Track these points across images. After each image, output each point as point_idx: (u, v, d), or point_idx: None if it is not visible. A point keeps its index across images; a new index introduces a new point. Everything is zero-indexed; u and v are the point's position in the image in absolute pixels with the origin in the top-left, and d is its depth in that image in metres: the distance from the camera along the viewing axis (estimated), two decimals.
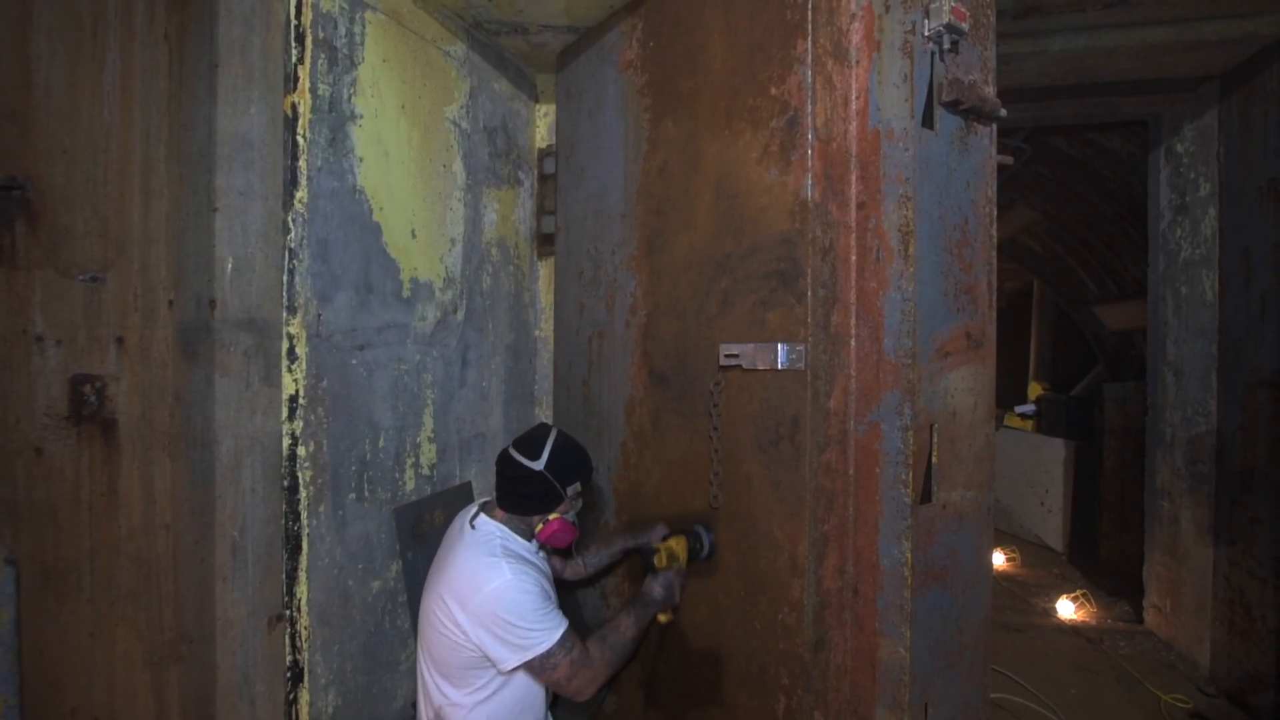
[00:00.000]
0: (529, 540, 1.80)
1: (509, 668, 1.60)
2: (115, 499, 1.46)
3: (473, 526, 1.77)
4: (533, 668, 1.61)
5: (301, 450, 1.81)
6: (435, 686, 1.72)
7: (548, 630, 1.60)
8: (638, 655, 2.09)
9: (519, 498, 1.77)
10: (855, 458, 1.50)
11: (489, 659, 1.62)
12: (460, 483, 2.43)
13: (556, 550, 1.97)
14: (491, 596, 1.59)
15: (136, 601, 1.50)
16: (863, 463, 1.49)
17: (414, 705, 1.90)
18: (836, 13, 1.51)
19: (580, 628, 2.38)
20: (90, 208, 1.42)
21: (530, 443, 1.80)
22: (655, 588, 1.82)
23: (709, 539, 1.82)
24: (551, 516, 1.78)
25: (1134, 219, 3.99)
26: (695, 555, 1.82)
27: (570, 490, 1.79)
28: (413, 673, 2.18)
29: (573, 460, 1.81)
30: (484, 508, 1.84)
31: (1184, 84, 3.06)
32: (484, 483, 2.54)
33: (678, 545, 1.81)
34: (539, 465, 1.74)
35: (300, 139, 1.79)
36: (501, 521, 1.79)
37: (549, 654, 1.59)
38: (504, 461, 1.80)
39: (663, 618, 1.83)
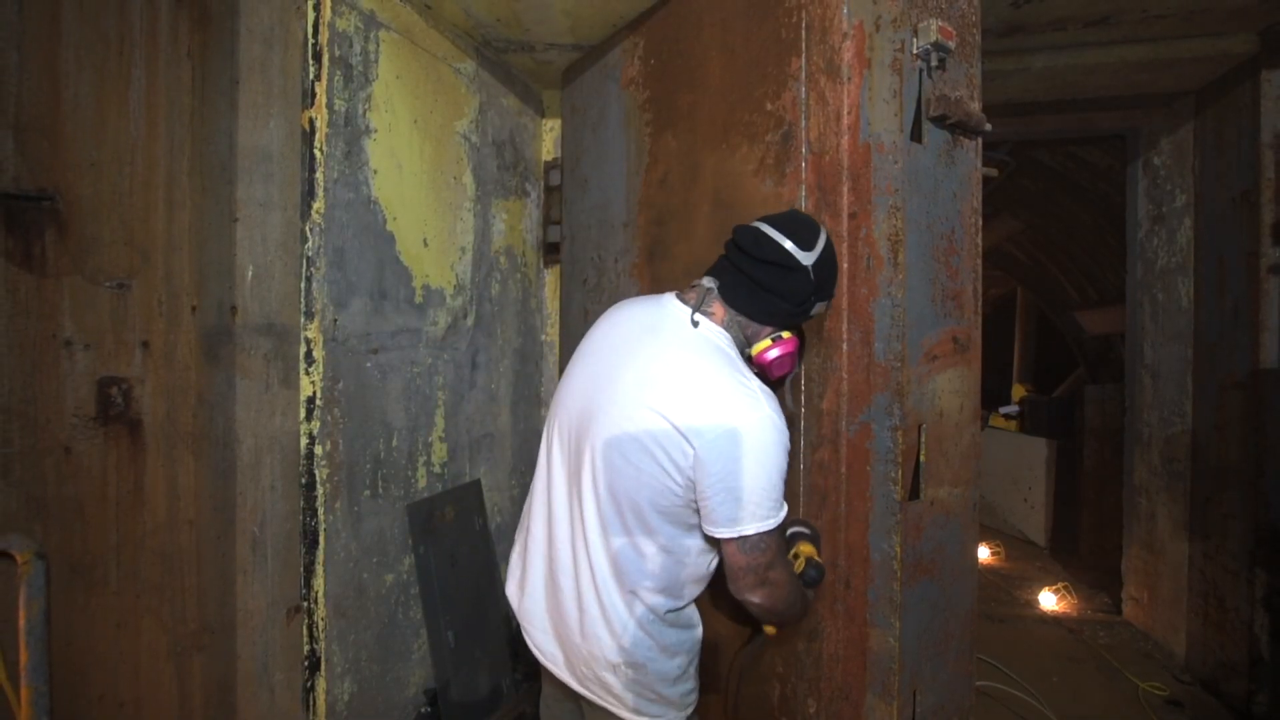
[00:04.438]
0: (743, 360, 1.25)
1: (722, 535, 1.12)
2: (140, 496, 1.46)
3: (694, 324, 1.22)
4: (746, 542, 1.12)
5: (319, 449, 1.81)
6: (621, 549, 1.18)
7: (780, 503, 1.15)
8: None
9: (763, 294, 1.21)
10: (847, 456, 1.49)
11: (697, 510, 1.15)
12: (470, 480, 2.42)
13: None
14: (751, 437, 1.09)
15: (161, 594, 1.50)
16: (854, 461, 1.49)
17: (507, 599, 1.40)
18: (829, 32, 1.50)
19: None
20: (117, 218, 1.42)
21: (799, 227, 1.23)
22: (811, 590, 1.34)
23: (816, 574, 1.35)
24: (786, 335, 1.27)
25: (1113, 228, 3.98)
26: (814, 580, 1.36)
27: (819, 307, 1.28)
28: (424, 662, 2.17)
29: (834, 271, 1.29)
30: (699, 301, 1.25)
31: (1161, 99, 3.06)
32: (492, 480, 2.54)
33: (807, 549, 1.39)
34: (810, 259, 1.20)
35: (317, 152, 1.79)
36: (723, 326, 1.24)
37: (770, 533, 1.13)
38: (754, 240, 1.22)
39: (770, 630, 1.38)
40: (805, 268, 1.20)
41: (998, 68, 2.69)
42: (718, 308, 1.25)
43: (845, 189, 1.48)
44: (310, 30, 1.78)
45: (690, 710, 1.29)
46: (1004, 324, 6.79)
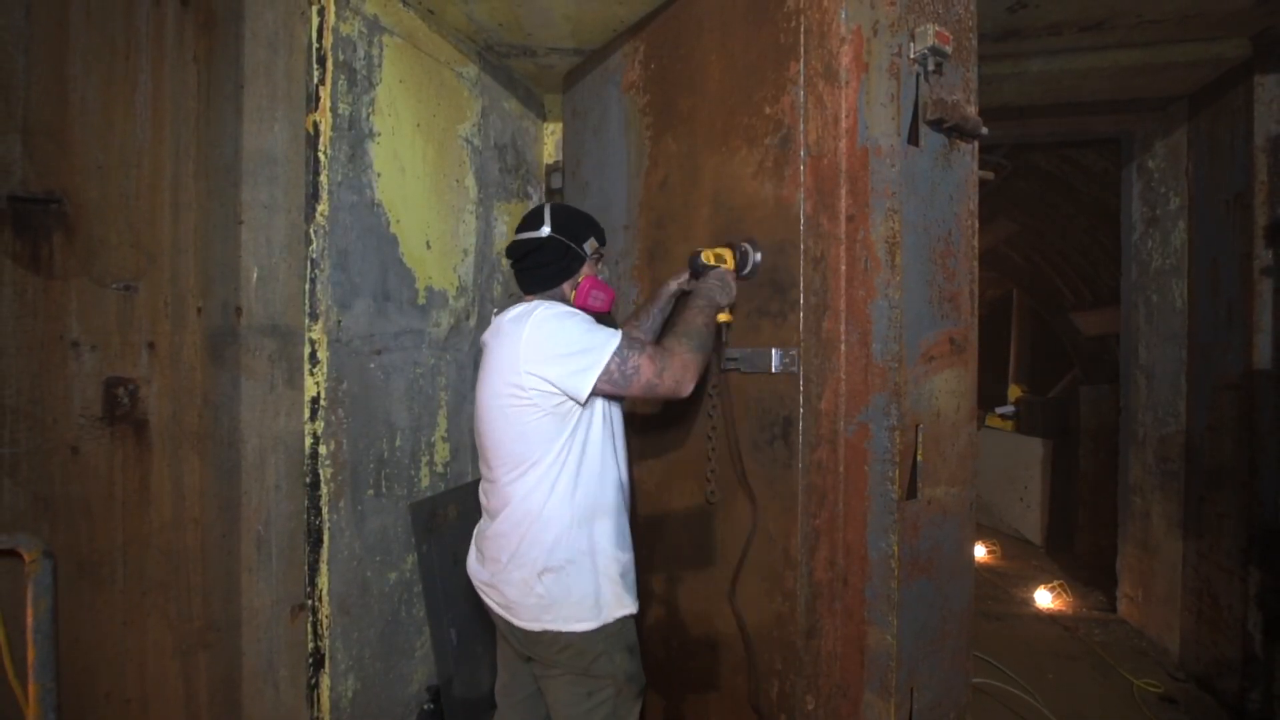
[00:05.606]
0: None
1: (588, 388, 1.38)
2: (146, 495, 1.46)
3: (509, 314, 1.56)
4: (613, 380, 1.39)
5: (323, 449, 1.81)
6: (519, 486, 1.46)
7: (607, 336, 1.41)
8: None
9: (539, 272, 1.59)
10: (845, 456, 1.49)
11: (564, 391, 1.39)
12: (472, 480, 2.42)
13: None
14: (536, 327, 1.40)
15: (166, 592, 1.50)
16: (852, 461, 1.49)
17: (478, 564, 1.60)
18: (827, 36, 1.50)
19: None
20: (123, 220, 1.42)
21: (529, 219, 1.63)
22: (708, 281, 1.61)
23: (755, 255, 1.63)
24: (580, 278, 1.62)
25: (1108, 230, 3.98)
26: (739, 267, 1.67)
27: (587, 247, 1.62)
28: (426, 658, 2.18)
29: (577, 219, 1.64)
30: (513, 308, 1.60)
31: (1155, 103, 3.06)
32: None
33: (724, 250, 1.66)
34: (544, 232, 1.57)
35: (321, 155, 1.79)
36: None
37: (621, 356, 1.39)
38: (513, 248, 1.62)
39: (723, 317, 1.64)
40: (548, 237, 1.57)
41: (994, 71, 2.69)
42: (527, 298, 1.60)
43: (843, 192, 1.48)
44: (314, 35, 1.78)
45: (613, 616, 1.48)
46: (1000, 325, 6.78)
